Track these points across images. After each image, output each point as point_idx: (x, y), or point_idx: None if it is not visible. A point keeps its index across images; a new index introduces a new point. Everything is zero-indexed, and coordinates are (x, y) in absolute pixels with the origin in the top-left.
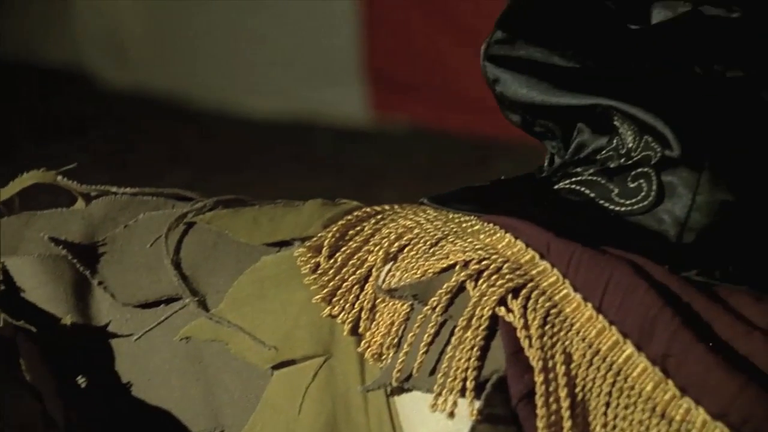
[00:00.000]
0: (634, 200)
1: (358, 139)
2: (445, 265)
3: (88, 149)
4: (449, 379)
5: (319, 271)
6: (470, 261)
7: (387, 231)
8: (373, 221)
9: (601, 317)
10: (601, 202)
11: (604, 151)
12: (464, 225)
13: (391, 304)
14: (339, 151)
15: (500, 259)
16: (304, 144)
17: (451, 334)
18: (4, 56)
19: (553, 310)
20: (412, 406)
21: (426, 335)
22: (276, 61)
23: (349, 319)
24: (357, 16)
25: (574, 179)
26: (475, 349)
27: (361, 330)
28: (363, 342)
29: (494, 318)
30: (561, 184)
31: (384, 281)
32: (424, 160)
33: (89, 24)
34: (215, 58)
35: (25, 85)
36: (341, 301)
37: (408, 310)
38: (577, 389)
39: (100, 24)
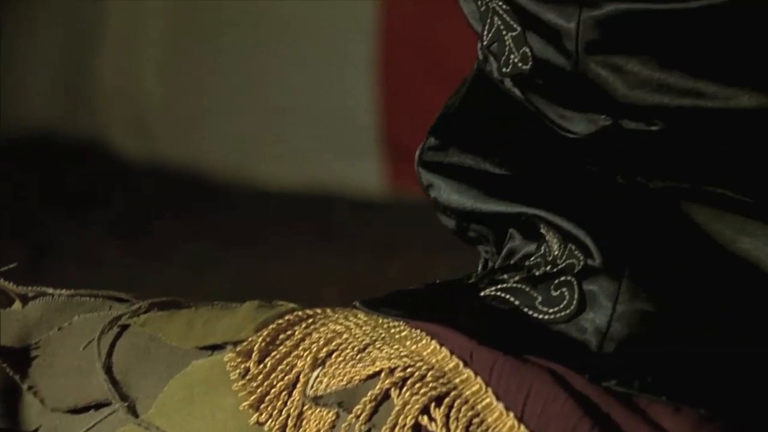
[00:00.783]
0: (556, 309)
1: (375, 210)
2: (370, 372)
3: (105, 222)
4: None
5: (248, 377)
6: (395, 368)
7: (317, 336)
8: (304, 325)
9: (522, 427)
10: (525, 310)
11: (532, 258)
12: (392, 331)
13: (317, 411)
14: (356, 222)
15: (425, 367)
16: (320, 215)
17: None
18: (25, 129)
19: (476, 420)
20: None
21: None
22: (293, 133)
23: (276, 427)
24: (374, 88)
25: (500, 286)
26: None
27: None
28: None
29: (417, 427)
30: (487, 290)
31: (312, 387)
32: (442, 232)
33: (111, 98)
34: (233, 130)
35: (45, 158)
36: (269, 408)
37: (334, 417)
38: None
39: (121, 98)
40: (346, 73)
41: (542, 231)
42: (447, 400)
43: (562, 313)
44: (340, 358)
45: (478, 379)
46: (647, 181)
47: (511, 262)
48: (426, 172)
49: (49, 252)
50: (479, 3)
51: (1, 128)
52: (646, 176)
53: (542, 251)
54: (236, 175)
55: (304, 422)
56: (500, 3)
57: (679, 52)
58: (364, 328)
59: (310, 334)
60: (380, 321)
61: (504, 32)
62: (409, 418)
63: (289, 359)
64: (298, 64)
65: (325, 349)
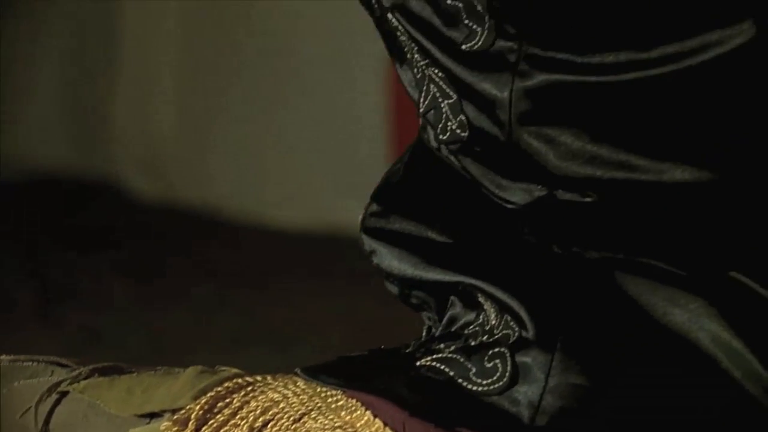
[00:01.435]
0: (490, 380)
1: None
2: None
3: (115, 263)
4: None
5: None
6: None
7: (255, 404)
8: (243, 393)
9: None
10: (460, 381)
11: (471, 326)
12: (329, 400)
13: None
14: (363, 262)
15: None
16: (328, 255)
17: None
18: (37, 168)
19: None
20: None
21: None
22: (304, 174)
23: None
24: (385, 130)
25: (436, 356)
26: None
27: None
28: None
29: None
30: (424, 360)
31: None
32: None
33: (123, 137)
34: (243, 170)
35: (56, 197)
36: None
37: None
38: None
39: (134, 137)
40: (356, 113)
41: (480, 300)
42: None
43: (496, 385)
44: (276, 428)
45: None
46: (583, 251)
47: (452, 329)
48: (368, 239)
49: (58, 293)
50: (415, 71)
51: (13, 167)
52: (581, 246)
53: (481, 320)
54: (246, 215)
55: None
56: (436, 70)
57: (611, 125)
58: (301, 396)
59: (248, 402)
60: (318, 389)
61: (440, 100)
62: None
63: (226, 428)
64: (307, 106)
65: (261, 419)
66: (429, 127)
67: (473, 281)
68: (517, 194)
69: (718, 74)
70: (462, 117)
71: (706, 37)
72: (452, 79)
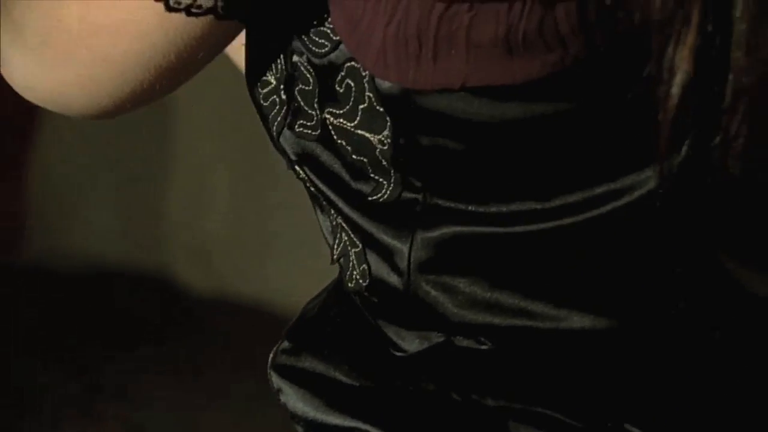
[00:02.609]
0: None
1: None
2: None
3: (162, 357)
4: None
5: None
6: None
7: None
8: None
9: None
10: None
11: None
12: None
13: None
14: None
15: None
16: None
17: None
18: (87, 259)
19: None
20: None
21: None
22: None
23: None
24: None
25: None
26: None
27: None
28: None
29: None
30: None
31: None
32: None
33: (176, 230)
34: (292, 262)
35: (108, 289)
36: None
37: None
38: None
39: (188, 230)
40: None
41: None
42: None
43: None
44: None
45: None
46: (481, 398)
47: None
48: (277, 377)
49: (104, 390)
50: (331, 218)
51: (61, 259)
52: (479, 394)
53: None
54: (294, 308)
55: None
56: (342, 220)
57: (510, 273)
58: None
59: None
60: None
61: (349, 248)
62: None
63: None
64: None
65: None
66: (340, 272)
67: (369, 428)
68: (413, 343)
69: (618, 224)
70: (365, 266)
71: (609, 186)
72: (357, 228)
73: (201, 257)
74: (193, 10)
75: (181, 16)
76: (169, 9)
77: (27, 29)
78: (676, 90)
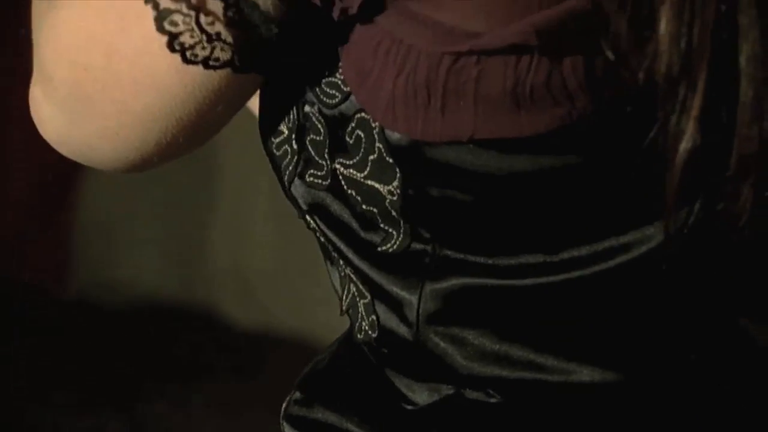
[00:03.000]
0: None
1: None
2: None
3: (210, 393)
4: None
5: None
6: None
7: None
8: None
9: None
10: None
11: None
12: None
13: None
14: None
15: None
16: None
17: None
18: (133, 296)
19: None
20: None
21: None
22: None
23: None
24: None
25: None
26: None
27: None
28: None
29: None
30: None
31: None
32: None
33: (220, 264)
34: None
35: (151, 326)
36: None
37: None
38: None
39: (232, 268)
40: None
41: None
42: None
43: None
44: None
45: None
46: None
47: None
48: (289, 427)
49: (148, 427)
50: (339, 269)
51: (107, 294)
52: None
53: None
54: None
55: None
56: (351, 271)
57: (519, 326)
58: None
59: None
60: None
61: (358, 299)
62: None
63: None
64: None
65: None
66: (350, 324)
67: None
68: (423, 395)
69: (626, 278)
70: (373, 317)
71: (617, 240)
72: (366, 279)
73: (246, 292)
74: (211, 63)
75: (198, 69)
76: (186, 61)
77: (55, 80)
78: (681, 154)
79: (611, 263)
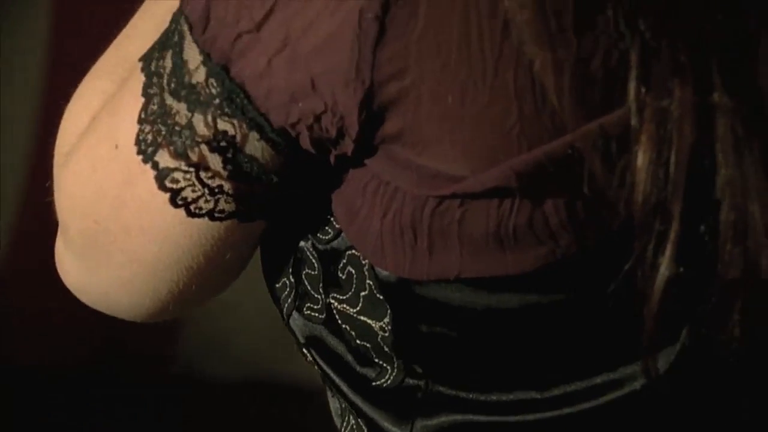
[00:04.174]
0: None
1: None
2: None
3: None
4: None
5: None
6: None
7: None
8: None
9: None
10: None
11: None
12: None
13: None
14: None
15: None
16: None
17: None
18: (246, 367)
19: None
20: None
21: None
22: None
23: None
24: None
25: None
26: None
27: None
28: None
29: None
30: None
31: None
32: None
33: None
34: None
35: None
36: None
37: None
38: None
39: None
40: None
41: None
42: None
43: None
44: None
45: None
46: None
47: None
48: None
49: None
50: (339, 401)
51: (222, 367)
52: None
53: None
54: None
55: None
56: (347, 405)
57: None
58: None
59: None
60: None
61: (354, 422)
62: None
63: None
64: None
65: None
66: None
67: None
68: None
69: (620, 414)
70: None
71: (608, 376)
72: (361, 413)
73: None
74: (216, 215)
75: (204, 220)
76: (191, 215)
77: (71, 231)
78: (658, 286)
79: (603, 399)
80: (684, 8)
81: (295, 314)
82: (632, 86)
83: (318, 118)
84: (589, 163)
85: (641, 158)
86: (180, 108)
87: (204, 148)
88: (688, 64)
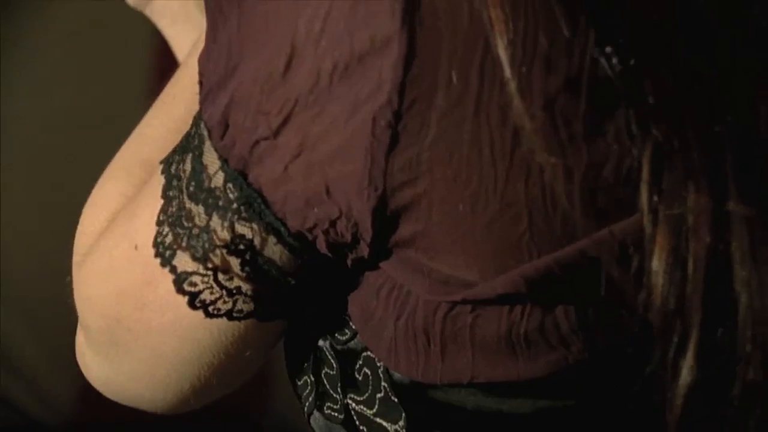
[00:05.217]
0: None
1: None
2: None
3: None
4: None
5: None
6: None
7: None
8: None
9: None
10: None
11: None
12: None
13: None
14: None
15: None
16: None
17: None
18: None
19: None
20: None
21: None
22: None
23: None
24: None
25: None
26: None
27: None
28: None
29: None
30: None
31: None
32: None
33: None
34: None
35: None
36: None
37: None
38: None
39: None
40: None
41: None
42: None
43: None
44: None
45: None
46: None
47: None
48: None
49: None
50: None
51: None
52: None
53: None
54: None
55: None
56: None
57: None
58: None
59: None
60: None
61: None
62: None
63: None
64: None
65: None
66: None
67: None
68: None
69: None
70: None
71: None
72: None
73: None
74: (234, 315)
75: (223, 320)
76: (210, 316)
77: (92, 329)
78: (680, 391)
79: None
80: (695, 112)
81: (316, 413)
82: (644, 193)
83: (333, 224)
84: (603, 269)
85: (656, 263)
86: (199, 211)
87: (223, 251)
88: (702, 170)
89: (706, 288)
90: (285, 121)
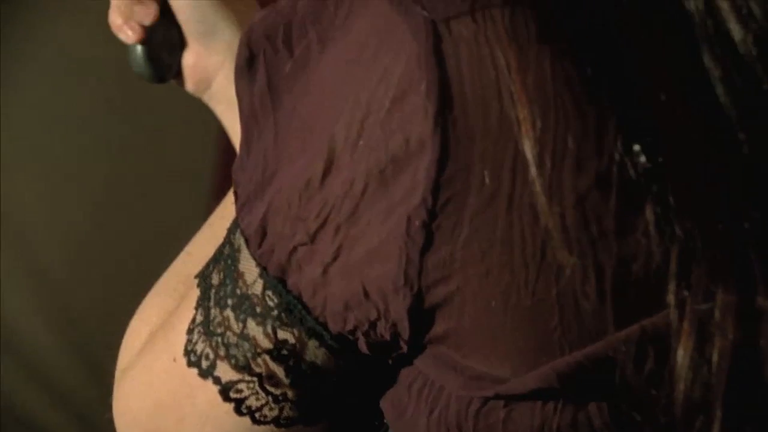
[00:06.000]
0: None
1: None
2: None
3: None
4: None
5: None
6: None
7: None
8: None
9: None
10: None
11: None
12: None
13: None
14: None
15: None
16: None
17: None
18: None
19: None
20: None
21: None
22: None
23: None
24: None
25: None
26: None
27: None
28: None
29: None
30: None
31: None
32: None
33: None
34: None
35: None
36: None
37: None
38: None
39: None
40: None
41: None
42: None
43: None
44: None
45: None
46: None
47: None
48: None
49: None
50: None
51: None
52: None
53: None
54: None
55: None
56: None
57: None
58: None
59: None
60: None
61: None
62: None
63: None
64: None
65: None
66: None
67: None
68: None
69: None
70: None
71: None
72: None
73: None
74: (282, 422)
75: (269, 426)
76: (256, 422)
77: None
78: None
79: None
80: (721, 208)
81: None
82: (672, 289)
83: (373, 325)
84: (632, 366)
85: (682, 357)
86: (228, 316)
87: (266, 358)
88: (729, 266)
89: (729, 384)
90: (322, 225)
